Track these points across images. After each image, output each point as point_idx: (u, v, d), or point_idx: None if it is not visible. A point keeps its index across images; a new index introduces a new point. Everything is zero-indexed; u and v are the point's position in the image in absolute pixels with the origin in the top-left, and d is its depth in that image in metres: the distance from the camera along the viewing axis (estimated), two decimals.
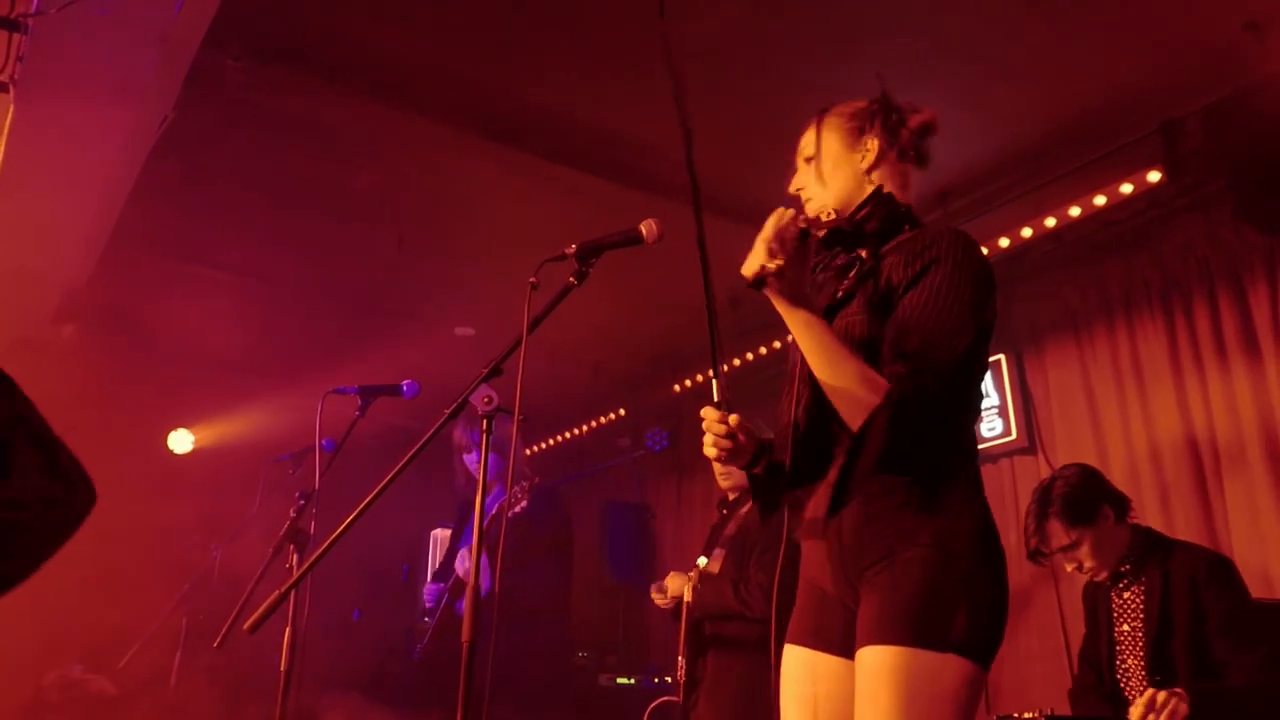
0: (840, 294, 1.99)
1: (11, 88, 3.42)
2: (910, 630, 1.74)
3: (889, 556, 1.81)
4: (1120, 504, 3.13)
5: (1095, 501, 3.09)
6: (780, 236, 1.77)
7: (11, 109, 3.50)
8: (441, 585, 4.50)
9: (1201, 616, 2.90)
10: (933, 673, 1.72)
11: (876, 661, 1.75)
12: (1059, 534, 3.08)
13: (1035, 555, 3.15)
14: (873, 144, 2.04)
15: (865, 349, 1.85)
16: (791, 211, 1.83)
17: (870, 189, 1.99)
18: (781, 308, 1.82)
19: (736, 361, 5.73)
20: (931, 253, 1.85)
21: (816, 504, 1.95)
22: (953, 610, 1.74)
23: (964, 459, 1.92)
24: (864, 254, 1.98)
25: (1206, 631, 2.89)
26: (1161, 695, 2.65)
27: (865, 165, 2.03)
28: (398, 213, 4.64)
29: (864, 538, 1.84)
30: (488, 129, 4.05)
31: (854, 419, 1.79)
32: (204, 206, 4.55)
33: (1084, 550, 3.08)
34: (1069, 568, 3.16)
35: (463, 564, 4.07)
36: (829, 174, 2.04)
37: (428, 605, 4.51)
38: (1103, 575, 3.12)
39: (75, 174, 3.91)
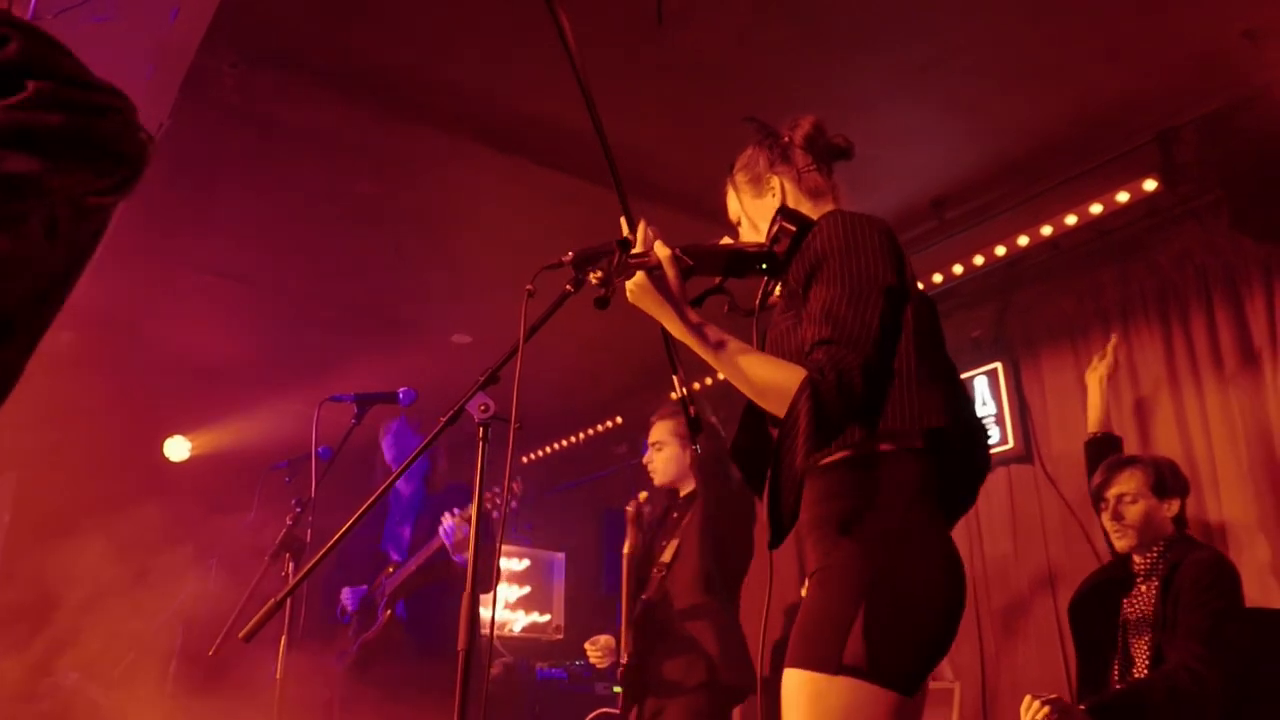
0: (776, 317, 2.01)
1: None
2: (802, 651, 1.71)
3: (815, 572, 1.80)
4: (1183, 516, 3.29)
5: (1175, 487, 3.27)
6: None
7: None
8: (365, 588, 4.41)
9: (1177, 618, 2.97)
10: (820, 696, 1.65)
11: (785, 685, 1.73)
12: (1129, 481, 3.25)
13: (1095, 494, 3.35)
14: (775, 181, 2.08)
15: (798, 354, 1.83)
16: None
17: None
18: (669, 327, 1.87)
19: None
20: (816, 246, 1.85)
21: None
22: (845, 628, 1.65)
23: (897, 452, 1.80)
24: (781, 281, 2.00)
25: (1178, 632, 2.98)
26: (1036, 704, 2.79)
27: (779, 203, 2.06)
28: (395, 220, 4.64)
29: (806, 551, 1.85)
30: (485, 136, 4.05)
31: (781, 408, 1.73)
32: (200, 214, 4.54)
33: (1136, 509, 3.22)
34: (1106, 517, 3.31)
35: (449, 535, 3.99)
36: (759, 227, 2.08)
37: (350, 608, 4.41)
38: (1128, 542, 3.24)
39: None
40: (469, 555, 2.06)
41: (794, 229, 1.91)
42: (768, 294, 1.99)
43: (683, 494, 3.91)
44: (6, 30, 1.03)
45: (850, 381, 1.68)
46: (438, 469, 4.54)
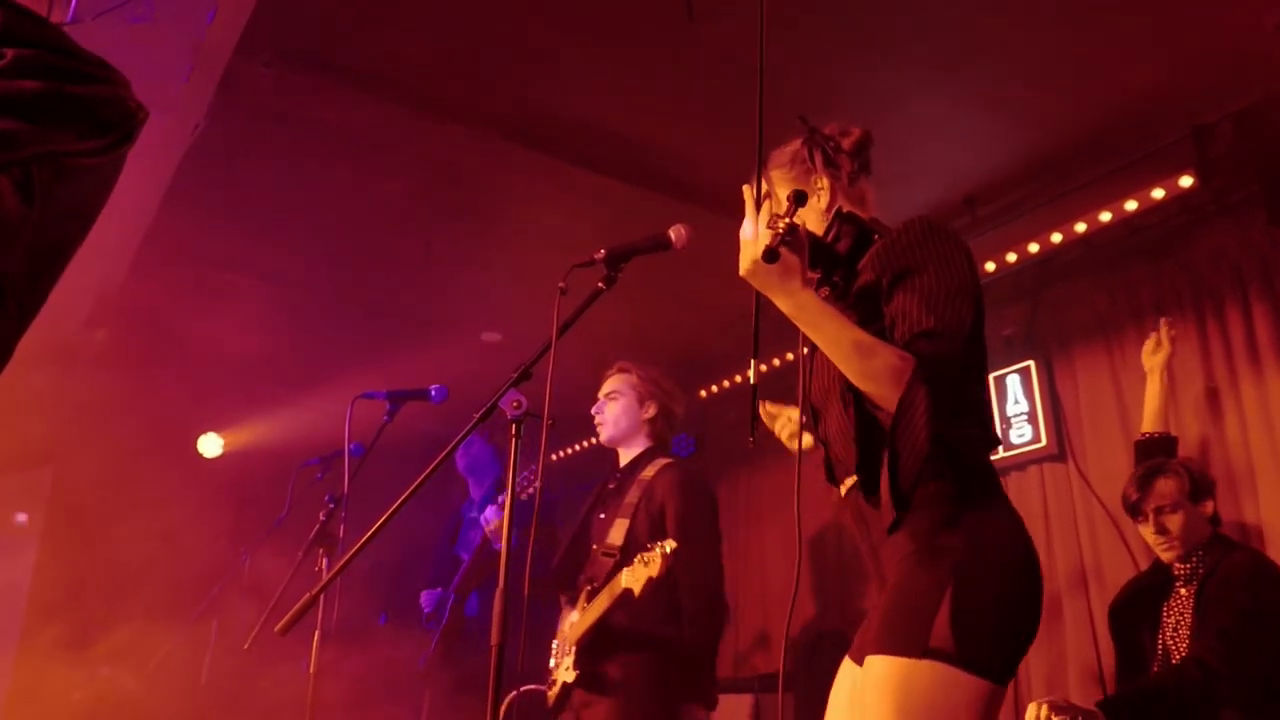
0: None
1: None
2: (888, 637, 1.74)
3: (900, 560, 1.82)
4: (1217, 513, 3.28)
5: (1206, 488, 3.26)
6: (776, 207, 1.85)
7: None
8: (440, 590, 4.47)
9: (1208, 618, 2.95)
10: (908, 680, 1.67)
11: (869, 672, 1.76)
12: (1168, 493, 3.21)
13: (1133, 508, 3.30)
14: (823, 183, 2.11)
15: None
16: (765, 187, 1.91)
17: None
18: (788, 298, 1.78)
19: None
20: (904, 246, 1.89)
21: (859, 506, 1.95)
22: (930, 614, 1.68)
23: (982, 450, 1.91)
24: (838, 279, 2.01)
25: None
26: (1044, 709, 2.73)
27: (824, 205, 2.10)
28: (426, 219, 4.66)
29: (891, 546, 1.85)
30: (516, 135, 4.06)
31: (892, 394, 1.74)
32: (235, 213, 4.59)
33: (1177, 519, 3.18)
34: (1149, 531, 3.25)
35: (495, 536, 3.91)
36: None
37: (426, 611, 4.49)
38: (1175, 553, 3.20)
39: None
40: (501, 551, 2.07)
41: (856, 230, 1.96)
42: (817, 287, 2.00)
43: (624, 461, 3.66)
44: None
45: (951, 371, 1.75)
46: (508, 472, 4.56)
